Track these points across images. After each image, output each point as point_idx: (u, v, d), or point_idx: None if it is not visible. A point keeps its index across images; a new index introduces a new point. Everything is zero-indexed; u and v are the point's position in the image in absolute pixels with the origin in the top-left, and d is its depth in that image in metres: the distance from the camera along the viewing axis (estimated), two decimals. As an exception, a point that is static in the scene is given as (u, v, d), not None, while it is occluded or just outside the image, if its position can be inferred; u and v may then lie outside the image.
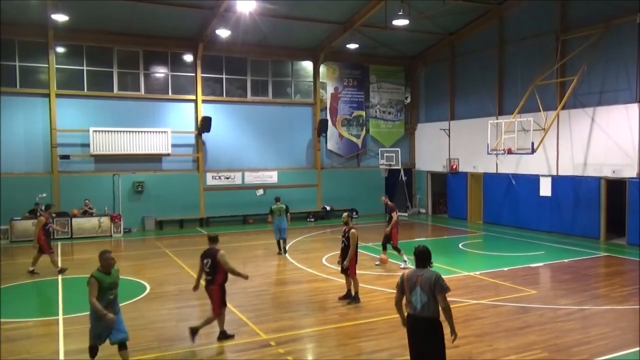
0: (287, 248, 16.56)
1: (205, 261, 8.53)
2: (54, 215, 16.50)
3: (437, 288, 5.71)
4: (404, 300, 6.04)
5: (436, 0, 19.84)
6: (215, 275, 8.44)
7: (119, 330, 7.04)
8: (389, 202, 14.75)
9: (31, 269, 13.67)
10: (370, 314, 9.98)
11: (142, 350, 8.21)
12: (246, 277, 8.73)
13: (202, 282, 8.74)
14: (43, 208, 15.02)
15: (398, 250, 13.97)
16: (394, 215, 14.04)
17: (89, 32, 20.45)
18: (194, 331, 8.37)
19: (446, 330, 5.85)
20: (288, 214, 16.33)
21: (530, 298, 10.92)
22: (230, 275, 8.62)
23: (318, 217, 24.51)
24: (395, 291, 6.15)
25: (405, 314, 6.05)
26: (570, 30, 18.93)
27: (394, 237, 14.01)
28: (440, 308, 5.76)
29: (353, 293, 10.77)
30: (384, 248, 14.24)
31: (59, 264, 14.14)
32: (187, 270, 14.01)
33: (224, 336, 8.60)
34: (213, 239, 8.70)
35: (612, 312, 9.91)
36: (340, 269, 11.04)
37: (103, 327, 6.96)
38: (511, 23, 21.66)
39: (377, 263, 14.34)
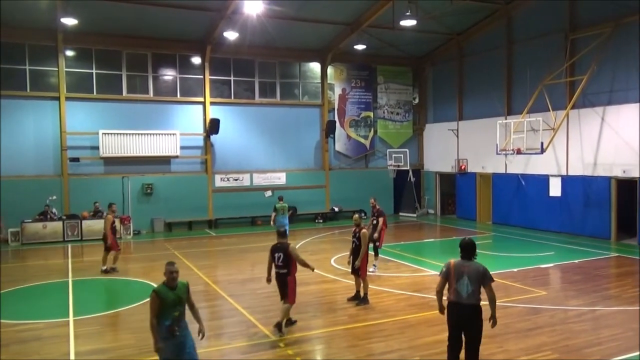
0: None
1: (277, 255, 9.11)
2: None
3: (487, 279, 6.43)
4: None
5: (443, 1, 19.78)
6: (289, 268, 9.08)
7: (188, 353, 6.24)
8: (377, 206, 14.31)
9: (104, 267, 14.03)
10: (379, 315, 9.96)
11: (152, 351, 8.17)
12: (313, 269, 9.53)
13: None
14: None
15: (376, 253, 13.71)
16: (381, 221, 13.69)
17: (98, 36, 20.60)
18: (278, 326, 8.93)
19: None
20: (289, 212, 17.09)
21: (540, 299, 10.85)
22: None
23: (326, 218, 24.50)
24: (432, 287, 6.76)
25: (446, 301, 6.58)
26: (579, 29, 18.81)
27: (381, 240, 13.89)
28: (487, 296, 6.42)
29: (362, 294, 10.76)
30: (376, 254, 13.86)
31: (109, 264, 14.15)
32: (196, 272, 14.05)
33: (290, 323, 9.34)
34: (282, 234, 9.33)
35: (624, 313, 9.82)
36: (350, 269, 11.03)
37: (172, 350, 6.12)
38: (519, 22, 21.55)
39: (370, 270, 13.77)
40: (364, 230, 10.75)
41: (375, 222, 13.91)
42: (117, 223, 15.12)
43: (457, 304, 6.43)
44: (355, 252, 10.81)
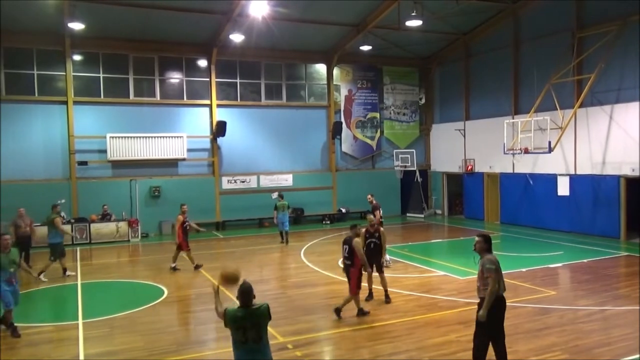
0: (289, 240, 18.62)
1: (344, 247, 9.81)
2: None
3: None
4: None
5: (449, 1, 19.74)
6: (352, 260, 9.65)
7: None
8: (374, 201, 15.35)
9: (173, 265, 14.44)
10: (387, 316, 9.94)
11: (161, 354, 8.27)
12: (370, 273, 10.26)
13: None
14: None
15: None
16: (377, 214, 14.35)
17: (105, 40, 20.71)
18: (337, 311, 9.67)
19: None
20: (289, 209, 18.78)
21: (549, 299, 10.79)
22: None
23: (334, 219, 24.48)
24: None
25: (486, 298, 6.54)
26: (587, 28, 18.70)
27: None
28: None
29: (385, 292, 10.89)
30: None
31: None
32: (204, 274, 14.08)
33: (361, 313, 9.81)
34: (353, 227, 9.91)
35: (634, 313, 9.73)
36: (375, 269, 10.97)
37: None
38: (526, 22, 21.46)
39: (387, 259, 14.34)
40: (381, 229, 11.11)
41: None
42: (192, 224, 15.22)
43: (504, 299, 6.64)
44: (375, 251, 10.91)
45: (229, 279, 5.73)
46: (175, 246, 14.69)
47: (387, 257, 13.96)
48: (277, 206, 18.69)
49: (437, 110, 26.92)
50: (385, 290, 10.94)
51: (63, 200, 19.82)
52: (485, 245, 6.70)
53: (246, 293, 5.44)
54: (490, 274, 6.51)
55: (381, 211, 15.11)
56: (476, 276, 6.88)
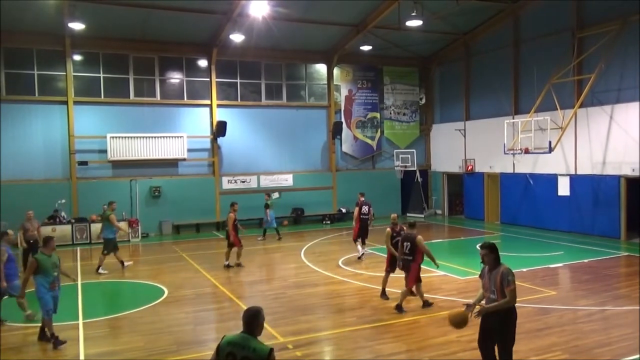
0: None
1: (405, 244, 10.24)
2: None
3: None
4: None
5: (449, 0, 19.74)
6: (414, 255, 10.13)
7: None
8: (362, 199, 15.87)
9: (226, 263, 14.84)
10: (388, 316, 9.94)
11: (161, 354, 8.27)
12: (437, 265, 10.37)
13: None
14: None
15: (355, 242, 15.58)
16: (356, 211, 15.55)
17: (105, 40, 20.71)
18: (399, 307, 10.02)
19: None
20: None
21: (550, 299, 10.79)
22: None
23: (334, 219, 24.48)
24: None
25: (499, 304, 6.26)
26: (587, 28, 18.70)
27: (355, 231, 15.57)
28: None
29: (422, 300, 10.47)
30: (363, 242, 15.62)
31: (101, 269, 14.57)
32: (204, 274, 14.08)
33: (427, 305, 10.24)
34: (412, 225, 10.45)
35: (634, 313, 9.72)
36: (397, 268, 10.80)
37: None
38: (526, 21, 21.46)
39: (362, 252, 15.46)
40: (419, 237, 10.27)
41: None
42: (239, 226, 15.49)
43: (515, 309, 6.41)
44: (411, 255, 10.22)
45: (458, 322, 6.30)
46: (226, 244, 15.08)
47: (361, 249, 15.24)
48: (269, 204, 19.55)
49: (437, 110, 26.92)
50: (426, 300, 10.47)
51: (63, 201, 19.89)
52: (493, 255, 6.32)
53: (251, 317, 4.50)
54: (510, 286, 6.09)
55: (360, 209, 15.60)
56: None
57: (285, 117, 24.12)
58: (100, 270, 14.38)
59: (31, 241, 14.18)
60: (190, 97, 22.48)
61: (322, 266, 14.70)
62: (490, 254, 6.33)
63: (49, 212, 19.47)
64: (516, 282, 6.29)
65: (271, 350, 4.36)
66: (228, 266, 14.71)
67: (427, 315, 9.89)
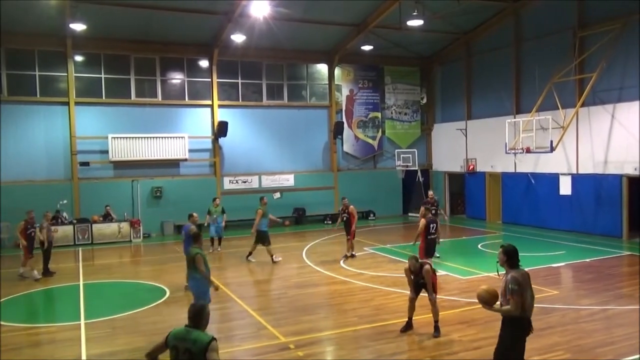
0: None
1: (432, 225, 12.63)
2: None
3: None
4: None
5: (450, 0, 19.73)
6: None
7: None
8: (346, 201, 16.20)
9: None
10: (389, 316, 9.93)
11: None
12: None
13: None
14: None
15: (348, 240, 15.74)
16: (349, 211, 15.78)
17: (106, 40, 20.73)
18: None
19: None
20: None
21: (552, 298, 10.78)
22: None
23: (335, 219, 24.39)
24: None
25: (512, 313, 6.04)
26: (588, 27, 18.68)
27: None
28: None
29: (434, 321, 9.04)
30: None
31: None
32: (206, 274, 14.06)
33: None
34: (434, 212, 12.11)
35: (636, 312, 9.70)
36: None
37: None
38: (527, 21, 21.44)
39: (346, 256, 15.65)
40: (426, 267, 8.86)
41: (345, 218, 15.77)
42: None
43: (528, 320, 6.18)
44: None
45: (487, 299, 6.03)
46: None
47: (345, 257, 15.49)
48: (265, 211, 16.98)
49: (438, 109, 26.90)
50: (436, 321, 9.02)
51: (65, 201, 19.91)
52: (505, 258, 6.10)
53: (196, 312, 4.78)
54: (511, 296, 5.87)
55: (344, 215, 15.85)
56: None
57: (287, 117, 24.13)
58: (250, 259, 15.67)
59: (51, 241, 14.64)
60: (191, 97, 22.49)
61: (324, 266, 14.70)
62: (503, 257, 6.16)
63: (51, 212, 19.45)
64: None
65: (212, 339, 4.56)
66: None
67: (429, 316, 9.84)
